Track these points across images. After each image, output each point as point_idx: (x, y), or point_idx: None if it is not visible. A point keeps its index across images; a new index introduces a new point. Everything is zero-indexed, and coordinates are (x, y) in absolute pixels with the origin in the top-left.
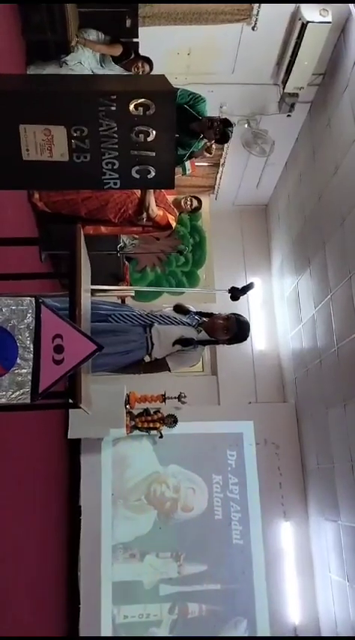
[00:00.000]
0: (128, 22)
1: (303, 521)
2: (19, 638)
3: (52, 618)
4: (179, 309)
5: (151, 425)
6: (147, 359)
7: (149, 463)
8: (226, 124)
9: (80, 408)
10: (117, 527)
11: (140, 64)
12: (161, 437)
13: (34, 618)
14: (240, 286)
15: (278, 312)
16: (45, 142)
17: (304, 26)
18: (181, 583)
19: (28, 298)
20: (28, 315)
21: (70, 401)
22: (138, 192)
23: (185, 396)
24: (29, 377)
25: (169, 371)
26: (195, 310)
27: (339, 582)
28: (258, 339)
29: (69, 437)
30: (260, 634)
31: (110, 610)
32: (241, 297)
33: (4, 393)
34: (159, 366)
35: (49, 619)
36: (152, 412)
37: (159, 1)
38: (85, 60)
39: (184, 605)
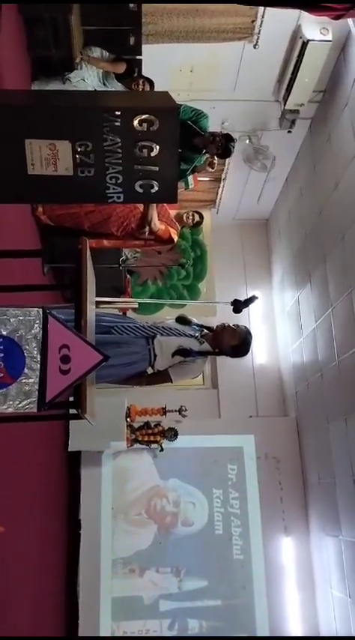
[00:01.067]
0: (132, 40)
1: (304, 536)
2: (19, 638)
3: (51, 633)
4: (181, 320)
5: (152, 438)
6: (149, 370)
7: (149, 477)
8: (228, 139)
9: (85, 418)
10: (117, 542)
11: (141, 82)
12: (162, 450)
13: (32, 632)
14: (242, 299)
15: (279, 325)
16: (50, 157)
17: (305, 44)
18: (181, 599)
19: (36, 309)
20: (36, 325)
21: (75, 411)
22: (141, 207)
23: (186, 410)
24: (36, 386)
25: (171, 382)
26: (197, 322)
27: (341, 598)
28: (259, 353)
29: (69, 449)
30: None
31: (109, 626)
32: (243, 310)
33: (11, 402)
34: (162, 377)
35: (47, 634)
36: (153, 425)
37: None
38: (88, 77)
39: (184, 621)
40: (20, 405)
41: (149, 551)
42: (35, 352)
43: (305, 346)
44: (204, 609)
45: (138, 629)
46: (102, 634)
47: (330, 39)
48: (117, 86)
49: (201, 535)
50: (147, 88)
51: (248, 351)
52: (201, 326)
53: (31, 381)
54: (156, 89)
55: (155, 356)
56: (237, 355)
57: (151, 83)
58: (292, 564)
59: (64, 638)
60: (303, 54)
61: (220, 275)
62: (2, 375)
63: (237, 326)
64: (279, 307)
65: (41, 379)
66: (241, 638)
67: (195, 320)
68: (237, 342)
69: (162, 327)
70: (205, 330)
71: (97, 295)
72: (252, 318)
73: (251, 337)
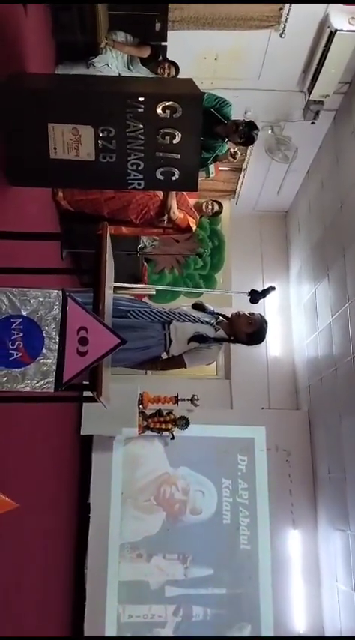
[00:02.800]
0: (157, 26)
1: (312, 529)
2: (20, 638)
3: (58, 614)
4: (198, 307)
5: (163, 426)
6: (164, 356)
7: (159, 464)
8: (251, 126)
9: (100, 401)
10: (126, 527)
11: (166, 66)
12: (172, 438)
13: (40, 614)
14: (259, 289)
15: (294, 318)
16: (72, 141)
17: (332, 34)
18: (187, 585)
19: (56, 291)
20: (55, 307)
21: (90, 394)
22: (160, 194)
23: (198, 399)
24: (54, 367)
25: (185, 367)
26: (213, 309)
27: (346, 592)
28: (274, 345)
29: (81, 433)
30: None
31: (115, 608)
32: (259, 301)
33: (29, 381)
34: (176, 362)
35: (54, 615)
36: (164, 413)
37: (191, 1)
38: (113, 62)
39: (189, 607)
40: (38, 385)
41: (157, 538)
42: (54, 333)
43: (320, 340)
44: (209, 597)
45: (144, 613)
46: (108, 617)
47: None
48: (142, 70)
49: (209, 524)
50: (173, 71)
51: (263, 339)
52: (217, 313)
53: (49, 361)
54: (180, 76)
55: (170, 341)
56: (251, 343)
57: (176, 67)
58: (299, 556)
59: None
60: (330, 44)
61: (237, 266)
62: (21, 354)
63: (253, 314)
64: (296, 300)
65: (59, 360)
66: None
67: (210, 307)
68: (252, 330)
69: (178, 313)
70: (221, 318)
71: (114, 282)
72: (268, 310)
73: (266, 325)
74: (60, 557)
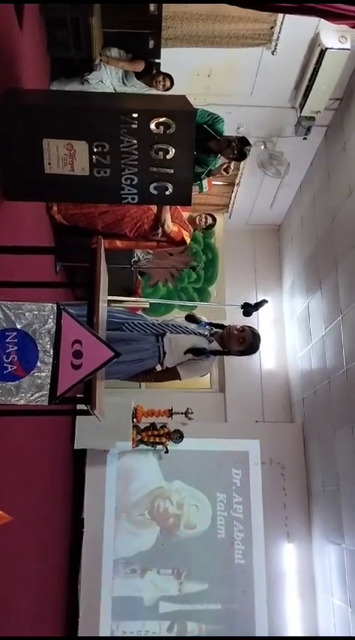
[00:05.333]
0: (151, 43)
1: (307, 543)
2: (20, 638)
3: (51, 630)
4: (191, 318)
5: (157, 439)
6: (158, 368)
7: (154, 478)
8: (244, 142)
9: (94, 415)
10: (120, 542)
11: (161, 79)
12: (167, 452)
13: (33, 629)
14: (252, 302)
15: (288, 331)
16: (67, 156)
17: (323, 52)
18: (181, 601)
19: (50, 304)
20: (50, 320)
21: (85, 407)
22: (155, 208)
23: (192, 412)
24: (48, 380)
25: (179, 379)
26: (206, 321)
27: (341, 607)
28: (267, 358)
29: (75, 447)
30: None
31: (109, 625)
32: (253, 314)
33: (23, 394)
34: (170, 374)
35: (47, 631)
36: (158, 427)
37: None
38: (107, 78)
39: (183, 623)
40: (32, 398)
41: (151, 553)
42: (48, 346)
43: (313, 353)
44: (203, 612)
45: (138, 629)
46: (101, 633)
47: (349, 47)
48: (137, 85)
49: (204, 538)
50: (168, 83)
51: (257, 349)
52: (211, 324)
53: (43, 374)
54: (173, 92)
55: (164, 353)
56: (244, 354)
57: (171, 79)
58: (294, 571)
59: (64, 638)
60: (321, 61)
61: (231, 279)
62: (15, 367)
63: (243, 329)
64: (289, 313)
65: (53, 373)
66: (240, 638)
67: (204, 319)
68: (243, 348)
69: (172, 325)
70: (214, 329)
71: (108, 295)
72: (261, 323)
73: (258, 338)
74: (53, 572)
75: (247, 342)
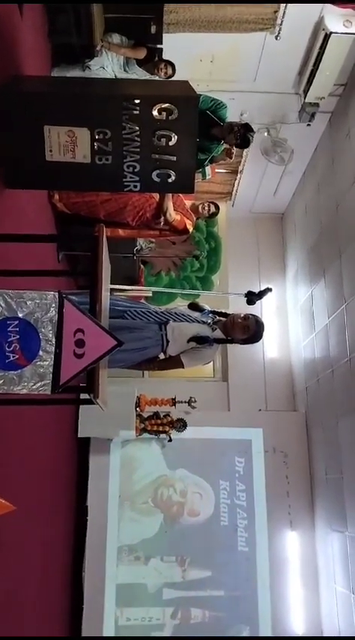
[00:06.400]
0: (153, 29)
1: (310, 531)
2: (20, 638)
3: (56, 617)
4: (194, 307)
5: (160, 428)
6: (161, 356)
7: (157, 466)
8: (247, 128)
9: (97, 403)
10: (123, 529)
11: (163, 66)
12: (170, 440)
13: (38, 617)
14: (256, 291)
15: (291, 320)
16: (68, 144)
17: (327, 37)
18: (185, 588)
19: (52, 293)
20: (52, 309)
21: (88, 396)
22: (157, 196)
23: (195, 401)
24: (51, 369)
25: (183, 367)
26: (209, 309)
27: (344, 594)
28: (270, 347)
29: (79, 435)
30: None
31: (113, 612)
32: (256, 303)
33: (25, 383)
34: (173, 363)
35: (52, 618)
36: (162, 416)
37: (187, 1)
38: (108, 64)
39: (187, 610)
40: (34, 387)
41: (154, 540)
42: (50, 335)
43: (317, 342)
44: (207, 599)
45: (142, 615)
46: (106, 620)
47: (354, 31)
48: (139, 72)
49: (207, 526)
50: (170, 70)
51: (260, 338)
52: (214, 312)
53: (45, 363)
54: (175, 78)
55: (167, 341)
56: (248, 343)
57: (173, 66)
58: (297, 558)
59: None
60: (325, 46)
61: (234, 268)
62: (18, 356)
63: (247, 317)
64: (292, 302)
65: (56, 362)
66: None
67: (207, 307)
68: (247, 336)
69: (175, 314)
70: (217, 317)
71: (111, 284)
72: (265, 312)
73: (261, 326)
74: (57, 560)
75: (251, 331)
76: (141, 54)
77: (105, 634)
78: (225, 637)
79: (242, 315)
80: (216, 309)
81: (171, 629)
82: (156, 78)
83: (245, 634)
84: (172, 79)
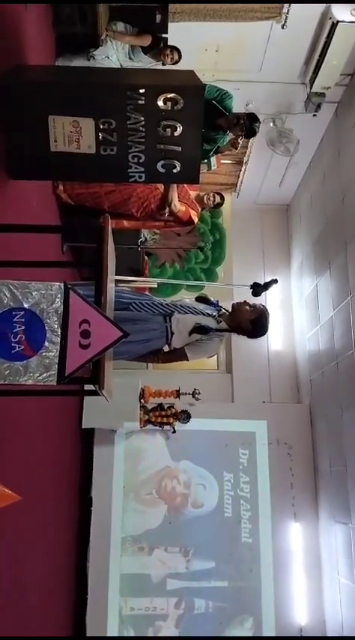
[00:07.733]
0: (158, 18)
1: (313, 522)
2: (20, 638)
3: (60, 607)
4: (201, 299)
5: (165, 420)
6: (166, 348)
7: (161, 458)
8: (253, 118)
9: (102, 395)
10: (127, 520)
11: (169, 52)
12: (174, 432)
13: (42, 607)
14: (261, 282)
15: (296, 312)
16: (73, 134)
17: (334, 26)
18: (189, 578)
19: (57, 284)
20: (57, 299)
21: (93, 387)
22: (161, 187)
23: (199, 393)
24: (56, 360)
25: (187, 360)
26: (216, 301)
27: (347, 585)
28: (275, 339)
29: (83, 426)
30: (265, 633)
31: (117, 601)
32: (262, 294)
33: (31, 374)
34: (178, 355)
35: (57, 608)
36: (166, 407)
37: (191, 1)
38: (113, 53)
39: (191, 600)
40: (40, 378)
41: (158, 531)
42: (56, 326)
43: (321, 334)
44: (210, 590)
45: (145, 605)
46: (110, 610)
47: None
48: (144, 59)
49: (211, 517)
50: (176, 56)
51: (266, 330)
52: (220, 306)
53: (51, 354)
54: (180, 68)
55: (172, 333)
56: (255, 333)
57: (179, 52)
58: (300, 550)
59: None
60: (332, 35)
61: (238, 260)
62: (23, 347)
63: (254, 304)
64: (297, 294)
65: (61, 353)
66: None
67: (213, 300)
68: (255, 316)
69: (180, 306)
70: (223, 310)
71: (115, 275)
72: (270, 304)
73: (268, 314)
74: (62, 550)
75: (258, 311)
76: (147, 41)
77: (110, 623)
78: (224, 637)
79: (249, 303)
80: (222, 305)
81: (175, 619)
82: (162, 65)
83: (248, 624)
84: (177, 67)
